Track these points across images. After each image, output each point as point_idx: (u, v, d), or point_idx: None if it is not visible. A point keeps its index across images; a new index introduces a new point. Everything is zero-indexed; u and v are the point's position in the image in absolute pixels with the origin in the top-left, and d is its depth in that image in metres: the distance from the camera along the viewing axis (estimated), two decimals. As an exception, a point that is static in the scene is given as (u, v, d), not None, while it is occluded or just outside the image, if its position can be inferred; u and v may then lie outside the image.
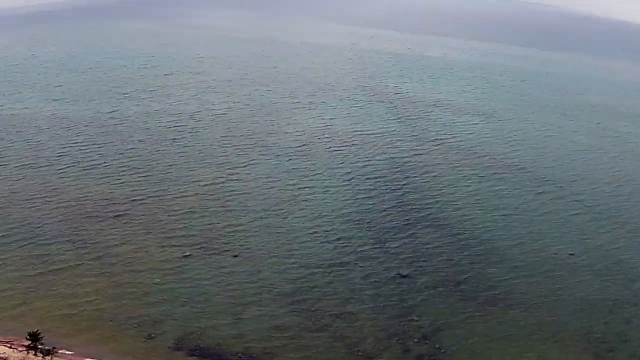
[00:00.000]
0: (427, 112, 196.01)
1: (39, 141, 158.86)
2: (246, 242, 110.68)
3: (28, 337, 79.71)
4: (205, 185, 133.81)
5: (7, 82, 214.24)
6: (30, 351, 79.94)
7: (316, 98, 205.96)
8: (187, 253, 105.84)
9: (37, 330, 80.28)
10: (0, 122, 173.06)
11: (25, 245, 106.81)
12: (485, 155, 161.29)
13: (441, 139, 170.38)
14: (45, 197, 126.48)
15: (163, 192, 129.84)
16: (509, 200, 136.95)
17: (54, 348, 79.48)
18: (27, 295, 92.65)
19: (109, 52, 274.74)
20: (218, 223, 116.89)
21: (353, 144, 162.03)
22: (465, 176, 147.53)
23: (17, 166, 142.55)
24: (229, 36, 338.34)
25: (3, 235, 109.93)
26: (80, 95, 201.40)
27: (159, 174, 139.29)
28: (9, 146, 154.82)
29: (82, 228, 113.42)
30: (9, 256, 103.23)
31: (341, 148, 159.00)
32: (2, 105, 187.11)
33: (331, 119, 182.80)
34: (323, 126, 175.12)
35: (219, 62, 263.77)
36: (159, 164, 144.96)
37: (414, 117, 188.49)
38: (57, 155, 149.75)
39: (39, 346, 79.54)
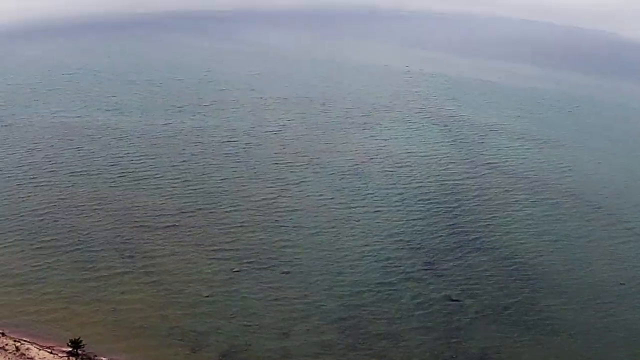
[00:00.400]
0: (481, 135, 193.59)
1: (90, 150, 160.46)
2: (296, 259, 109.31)
3: (69, 343, 79.36)
4: (257, 200, 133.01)
5: (60, 91, 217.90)
6: (70, 358, 79.55)
7: (371, 118, 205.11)
8: (236, 269, 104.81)
9: (79, 338, 79.90)
10: (52, 129, 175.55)
11: (72, 250, 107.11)
12: (537, 181, 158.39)
13: (494, 163, 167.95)
14: (95, 205, 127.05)
15: (214, 205, 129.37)
16: (559, 226, 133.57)
17: (95, 356, 79.00)
18: (71, 301, 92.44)
19: (164, 65, 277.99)
20: (269, 239, 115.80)
21: (406, 165, 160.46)
22: (516, 201, 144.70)
23: (67, 173, 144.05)
24: (285, 55, 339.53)
25: (51, 240, 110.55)
26: (133, 107, 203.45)
27: (210, 187, 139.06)
28: (61, 154, 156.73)
29: (130, 237, 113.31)
30: (55, 260, 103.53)
31: (394, 169, 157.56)
32: (54, 114, 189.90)
33: (385, 139, 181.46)
34: (377, 147, 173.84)
35: (275, 80, 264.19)
36: (211, 177, 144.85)
37: (467, 141, 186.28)
38: (109, 164, 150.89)
39: (80, 353, 79.15)
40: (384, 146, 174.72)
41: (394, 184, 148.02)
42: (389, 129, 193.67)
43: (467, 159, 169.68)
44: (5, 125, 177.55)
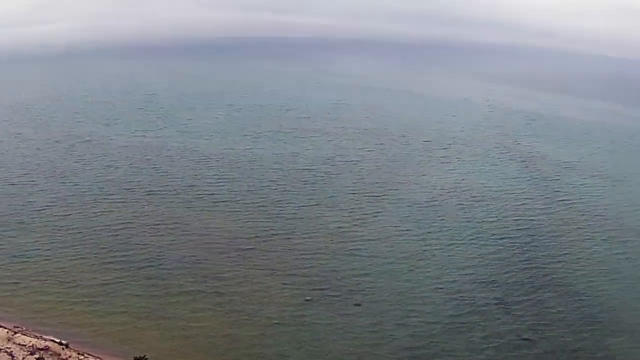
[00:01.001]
0: (557, 173, 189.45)
1: (168, 171, 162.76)
2: (369, 290, 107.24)
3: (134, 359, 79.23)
4: (333, 229, 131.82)
5: (141, 111, 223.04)
6: (135, 374, 79.30)
7: (450, 152, 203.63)
8: (309, 297, 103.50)
9: (145, 355, 79.48)
10: (131, 148, 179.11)
11: (143, 267, 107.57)
12: (609, 219, 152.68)
13: (569, 201, 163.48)
14: (170, 225, 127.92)
15: (290, 232, 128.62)
16: (630, 265, 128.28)
17: (159, 375, 78.59)
18: (138, 317, 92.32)
19: (246, 90, 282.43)
20: (342, 267, 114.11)
21: (482, 200, 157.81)
22: (591, 240, 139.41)
23: (144, 192, 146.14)
24: (368, 85, 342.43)
25: (123, 256, 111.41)
26: (214, 131, 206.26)
27: (287, 214, 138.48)
28: (139, 172, 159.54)
29: (203, 259, 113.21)
30: (126, 276, 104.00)
31: (470, 203, 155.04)
32: (134, 133, 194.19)
33: (463, 173, 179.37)
34: (454, 180, 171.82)
35: (356, 110, 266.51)
36: (288, 204, 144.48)
37: (544, 178, 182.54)
38: (186, 186, 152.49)
39: (145, 371, 78.79)
40: (461, 180, 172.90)
41: (469, 218, 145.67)
42: (466, 163, 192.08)
43: (542, 195, 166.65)
44: (84, 142, 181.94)
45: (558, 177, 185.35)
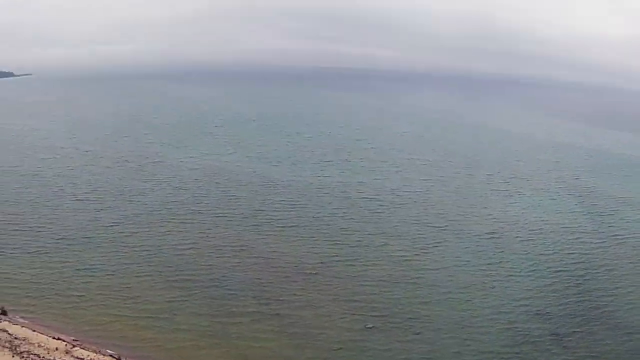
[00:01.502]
0: (614, 209, 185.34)
1: (236, 195, 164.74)
2: (428, 319, 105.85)
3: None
4: (396, 258, 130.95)
5: (212, 135, 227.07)
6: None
7: (511, 186, 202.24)
8: (370, 324, 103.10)
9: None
10: (200, 171, 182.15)
11: (207, 288, 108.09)
12: None
13: (622, 236, 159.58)
14: (235, 247, 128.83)
15: (354, 259, 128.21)
16: None
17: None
18: (199, 336, 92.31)
19: (317, 119, 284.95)
20: (404, 297, 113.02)
21: (540, 234, 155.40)
22: None
23: (211, 215, 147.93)
24: (435, 117, 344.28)
25: (187, 276, 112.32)
26: (283, 157, 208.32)
27: (352, 241, 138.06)
28: (207, 195, 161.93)
29: (267, 282, 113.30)
30: (189, 295, 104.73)
31: (529, 237, 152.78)
32: (204, 156, 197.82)
33: (523, 207, 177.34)
34: (514, 214, 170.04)
35: (423, 141, 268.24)
36: (354, 232, 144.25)
37: (599, 213, 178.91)
38: (254, 210, 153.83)
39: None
40: (521, 214, 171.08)
41: (527, 251, 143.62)
42: (527, 197, 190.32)
43: (597, 230, 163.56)
44: (154, 162, 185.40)
45: (613, 213, 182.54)
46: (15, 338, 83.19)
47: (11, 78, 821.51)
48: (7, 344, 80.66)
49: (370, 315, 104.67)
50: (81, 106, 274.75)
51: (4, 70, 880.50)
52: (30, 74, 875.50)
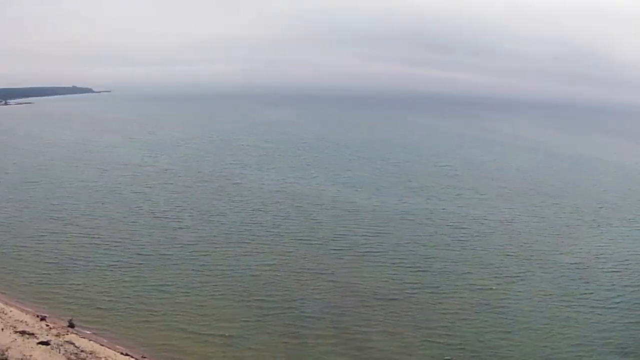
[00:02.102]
0: None
1: (318, 219, 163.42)
2: (509, 351, 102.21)
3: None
4: (479, 287, 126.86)
5: (295, 158, 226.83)
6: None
7: (599, 216, 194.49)
8: (448, 357, 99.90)
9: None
10: (281, 194, 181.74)
11: (282, 311, 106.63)
12: None
13: None
14: (315, 272, 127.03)
15: (435, 289, 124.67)
16: None
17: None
18: (273, 358, 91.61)
19: (403, 144, 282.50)
20: (485, 328, 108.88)
21: (627, 267, 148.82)
22: None
23: (292, 238, 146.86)
24: (523, 145, 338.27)
25: (263, 298, 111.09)
26: (367, 183, 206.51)
27: (434, 270, 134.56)
28: (288, 218, 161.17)
29: (345, 308, 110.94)
30: (264, 317, 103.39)
31: (615, 270, 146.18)
32: (285, 179, 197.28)
33: (610, 238, 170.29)
34: (601, 245, 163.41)
35: (510, 170, 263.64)
36: (436, 260, 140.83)
37: None
38: (335, 235, 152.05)
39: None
40: (608, 246, 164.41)
41: (614, 283, 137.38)
42: (614, 227, 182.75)
43: None
44: (236, 184, 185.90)
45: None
46: (82, 351, 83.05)
47: (89, 94, 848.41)
48: (73, 357, 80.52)
49: (450, 347, 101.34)
50: (160, 124, 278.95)
51: (82, 86, 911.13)
52: (109, 91, 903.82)
